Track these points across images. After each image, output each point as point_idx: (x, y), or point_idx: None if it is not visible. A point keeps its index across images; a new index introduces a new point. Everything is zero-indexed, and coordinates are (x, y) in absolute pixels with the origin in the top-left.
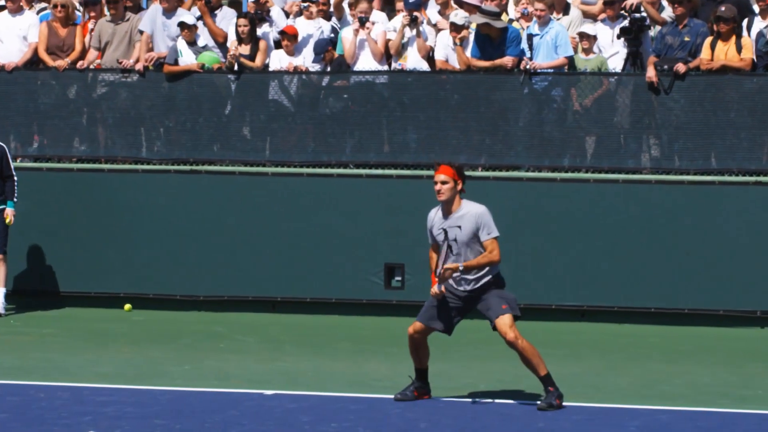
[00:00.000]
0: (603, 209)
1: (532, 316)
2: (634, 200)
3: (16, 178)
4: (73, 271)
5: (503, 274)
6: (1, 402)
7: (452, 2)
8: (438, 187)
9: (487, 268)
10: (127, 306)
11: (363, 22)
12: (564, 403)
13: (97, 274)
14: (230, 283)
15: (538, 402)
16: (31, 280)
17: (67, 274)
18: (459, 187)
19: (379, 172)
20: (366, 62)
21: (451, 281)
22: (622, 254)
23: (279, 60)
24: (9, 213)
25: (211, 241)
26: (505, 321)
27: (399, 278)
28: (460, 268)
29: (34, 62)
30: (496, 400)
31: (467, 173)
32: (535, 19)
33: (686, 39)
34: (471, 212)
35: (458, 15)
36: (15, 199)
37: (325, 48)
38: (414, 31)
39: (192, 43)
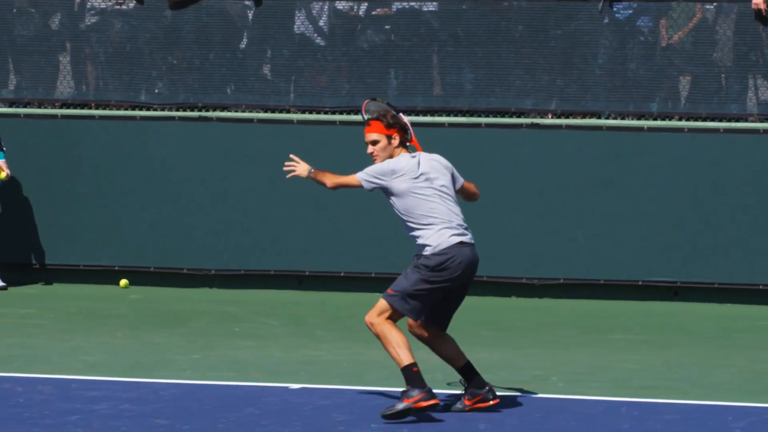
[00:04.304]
0: (700, 164)
1: (613, 294)
2: (738, 153)
3: None
4: (57, 240)
5: (573, 244)
6: None
7: None
8: (370, 149)
9: (417, 237)
10: (124, 282)
11: None
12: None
13: (87, 244)
14: (248, 255)
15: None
16: (6, 251)
17: (50, 244)
18: (395, 141)
19: (428, 119)
20: None
21: None
22: (724, 219)
23: None
24: (3, 166)
25: (225, 204)
26: (379, 303)
27: None
28: (309, 172)
29: None
30: (571, 396)
31: (535, 120)
32: None
33: None
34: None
35: None
36: (4, 149)
37: None
38: None
39: None
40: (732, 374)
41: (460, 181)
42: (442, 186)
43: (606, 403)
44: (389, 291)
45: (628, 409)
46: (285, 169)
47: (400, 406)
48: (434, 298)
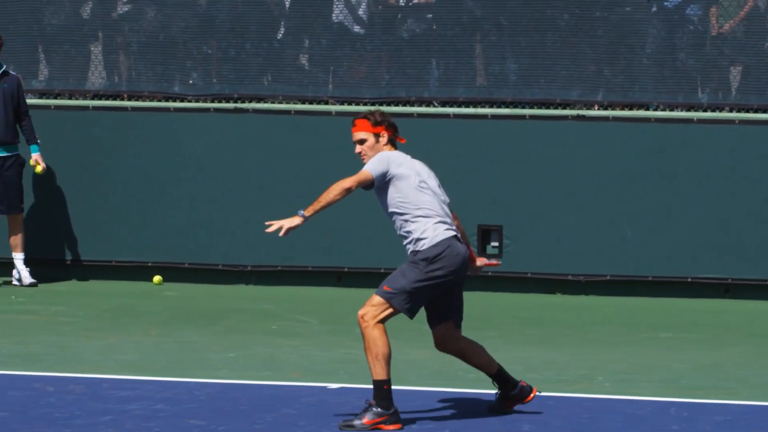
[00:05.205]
0: (751, 157)
1: (662, 291)
2: None
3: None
4: (88, 235)
5: (620, 239)
6: (1, 397)
7: None
8: (357, 149)
9: (409, 236)
10: (157, 278)
11: None
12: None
13: (119, 239)
14: (285, 251)
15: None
16: (37, 246)
17: (81, 239)
18: (383, 139)
19: (471, 111)
20: None
21: None
22: None
23: None
24: (39, 160)
25: (261, 198)
26: (373, 299)
27: (496, 244)
28: (301, 216)
29: None
30: (617, 397)
31: (581, 112)
32: None
33: None
34: None
35: None
36: (38, 142)
37: None
38: None
39: None
40: None
41: (447, 199)
42: (434, 185)
43: (654, 403)
44: (385, 288)
45: (677, 410)
46: (270, 230)
47: (358, 423)
48: (433, 295)
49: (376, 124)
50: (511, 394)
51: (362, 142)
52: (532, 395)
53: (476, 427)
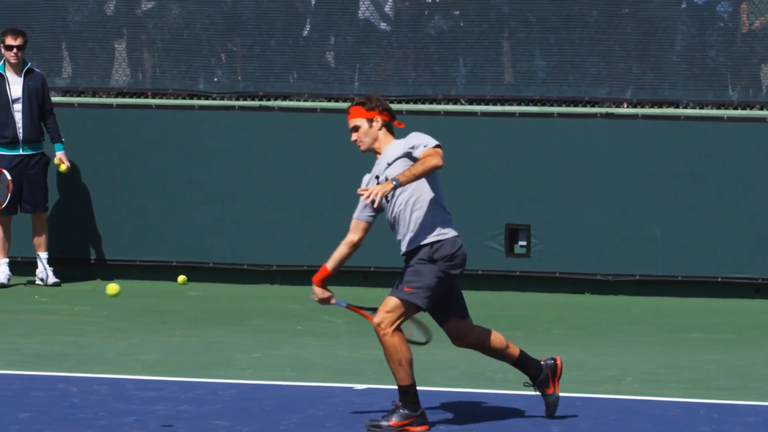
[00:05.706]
0: None
1: (691, 291)
2: None
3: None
4: (112, 234)
5: (650, 239)
6: (24, 397)
7: None
8: (354, 137)
9: (421, 224)
10: (182, 278)
11: None
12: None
13: (143, 238)
14: (311, 250)
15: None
16: (61, 246)
17: (105, 238)
18: (377, 124)
19: (498, 108)
20: None
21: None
22: None
23: None
24: (63, 158)
25: (287, 197)
26: (390, 301)
27: (524, 243)
28: (395, 183)
29: None
30: (646, 398)
31: (610, 110)
32: None
33: None
34: (399, 141)
35: None
36: (63, 140)
37: None
38: None
39: None
40: None
41: None
42: None
43: (684, 404)
44: (406, 288)
45: (707, 411)
46: (365, 199)
47: (385, 425)
48: (442, 291)
49: (369, 109)
50: (542, 377)
51: (356, 129)
52: (560, 364)
53: (505, 428)
